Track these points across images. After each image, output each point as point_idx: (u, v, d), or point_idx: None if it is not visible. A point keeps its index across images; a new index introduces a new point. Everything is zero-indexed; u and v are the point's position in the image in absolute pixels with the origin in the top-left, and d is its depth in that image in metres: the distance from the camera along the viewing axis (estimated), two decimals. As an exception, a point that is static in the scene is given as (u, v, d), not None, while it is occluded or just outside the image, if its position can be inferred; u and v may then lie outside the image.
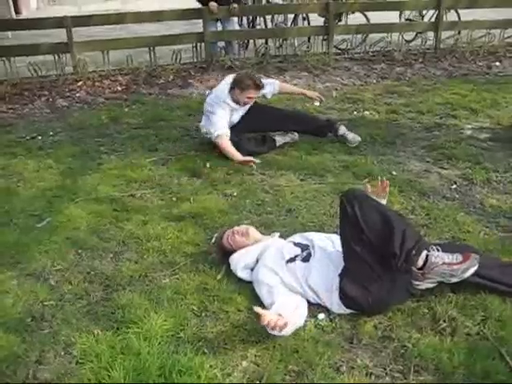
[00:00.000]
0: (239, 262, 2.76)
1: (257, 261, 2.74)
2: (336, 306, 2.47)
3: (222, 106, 4.31)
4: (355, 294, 2.42)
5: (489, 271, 2.52)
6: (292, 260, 2.64)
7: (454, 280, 2.40)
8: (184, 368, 2.16)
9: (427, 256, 2.35)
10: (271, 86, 4.65)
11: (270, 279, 2.57)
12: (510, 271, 2.57)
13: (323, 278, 2.52)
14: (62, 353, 2.31)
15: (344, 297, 2.44)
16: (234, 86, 4.29)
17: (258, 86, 4.29)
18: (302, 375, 2.16)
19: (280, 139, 4.56)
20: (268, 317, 2.22)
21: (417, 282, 2.43)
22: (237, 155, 4.20)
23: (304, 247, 2.71)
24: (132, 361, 2.20)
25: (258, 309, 2.25)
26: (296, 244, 2.76)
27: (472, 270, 2.36)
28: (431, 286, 2.49)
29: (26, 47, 6.90)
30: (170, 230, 3.24)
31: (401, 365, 2.21)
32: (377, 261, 2.36)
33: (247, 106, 4.47)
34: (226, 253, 2.86)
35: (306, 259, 2.62)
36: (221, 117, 4.30)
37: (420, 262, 2.35)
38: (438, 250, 2.39)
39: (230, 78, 4.42)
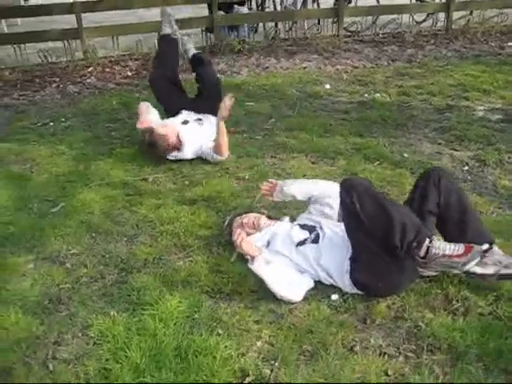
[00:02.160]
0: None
1: (267, 244, 2.76)
2: (349, 287, 2.49)
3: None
4: (365, 281, 2.45)
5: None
6: (302, 243, 2.66)
7: (455, 271, 2.39)
8: (199, 348, 2.20)
9: (428, 247, 2.31)
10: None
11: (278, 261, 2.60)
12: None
13: (334, 260, 2.53)
14: (80, 334, 2.36)
15: (355, 281, 2.46)
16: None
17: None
18: (316, 355, 2.18)
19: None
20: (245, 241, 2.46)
21: (420, 269, 2.42)
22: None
23: (311, 229, 2.73)
24: (148, 342, 2.24)
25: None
26: (302, 226, 2.78)
27: (473, 263, 2.31)
28: (434, 273, 2.49)
29: (36, 34, 6.89)
30: (183, 213, 3.26)
31: (414, 344, 2.23)
32: (382, 248, 2.36)
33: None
34: None
35: (315, 241, 2.65)
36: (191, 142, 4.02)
37: (422, 252, 2.32)
38: (439, 239, 2.35)
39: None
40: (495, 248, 2.49)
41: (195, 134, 4.06)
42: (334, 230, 2.66)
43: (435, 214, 2.53)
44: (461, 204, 2.54)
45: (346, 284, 2.49)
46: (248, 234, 2.81)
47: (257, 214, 2.96)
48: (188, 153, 4.00)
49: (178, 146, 3.98)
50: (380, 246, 2.36)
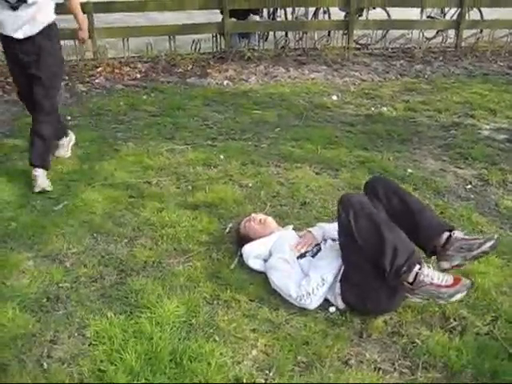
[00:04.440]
0: (251, 252, 2.79)
1: (269, 253, 2.76)
2: (341, 305, 2.49)
3: None
4: (354, 302, 2.46)
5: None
6: (302, 256, 2.69)
7: (441, 302, 2.32)
8: (195, 354, 2.20)
9: (417, 274, 2.27)
10: None
11: (284, 266, 2.61)
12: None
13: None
14: (76, 334, 2.36)
15: (345, 302, 2.47)
16: None
17: None
18: (310, 367, 2.18)
19: None
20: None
21: (407, 294, 2.37)
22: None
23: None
24: (144, 345, 2.25)
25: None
26: None
27: (459, 296, 2.27)
28: (420, 301, 2.41)
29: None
30: (184, 217, 3.27)
31: (409, 361, 2.23)
32: (372, 269, 2.34)
33: None
34: (240, 239, 2.91)
35: (315, 255, 2.66)
36: None
37: (410, 278, 2.28)
38: (429, 267, 2.31)
39: None
40: (455, 234, 2.46)
41: None
42: (335, 248, 2.67)
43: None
44: (404, 204, 2.54)
45: (337, 302, 2.50)
46: (253, 230, 2.87)
47: (265, 215, 3.01)
48: None
49: None
50: (371, 267, 2.35)
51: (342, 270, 2.50)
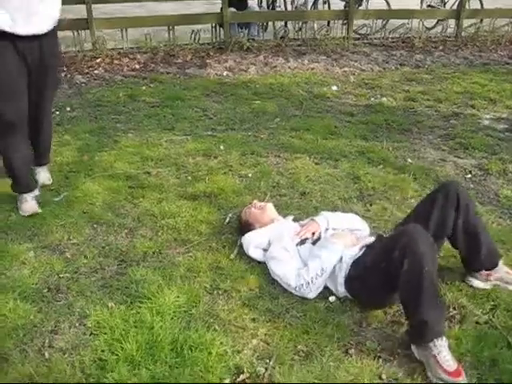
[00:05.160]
0: (251, 242, 2.79)
1: (269, 243, 2.77)
2: (342, 293, 2.49)
3: None
4: (359, 290, 2.45)
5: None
6: (302, 242, 2.69)
7: (429, 374, 2.12)
8: (195, 344, 2.20)
9: (429, 343, 2.12)
10: None
11: (284, 255, 2.62)
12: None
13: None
14: (77, 324, 2.37)
15: (348, 287, 2.47)
16: None
17: None
18: (311, 356, 2.19)
19: None
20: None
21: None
22: None
23: None
24: (145, 334, 2.25)
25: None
26: None
27: None
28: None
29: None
30: (184, 208, 3.27)
31: (409, 350, 2.23)
32: (391, 286, 2.28)
33: None
34: (241, 226, 2.92)
35: (315, 242, 2.67)
36: None
37: (422, 341, 2.16)
38: (446, 341, 2.13)
39: None
40: (500, 264, 2.59)
41: None
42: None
43: (448, 236, 2.55)
44: (475, 223, 2.55)
45: (337, 288, 2.50)
46: (253, 215, 2.88)
47: (266, 202, 3.03)
48: None
49: None
50: (391, 285, 2.27)
51: (359, 254, 2.50)
